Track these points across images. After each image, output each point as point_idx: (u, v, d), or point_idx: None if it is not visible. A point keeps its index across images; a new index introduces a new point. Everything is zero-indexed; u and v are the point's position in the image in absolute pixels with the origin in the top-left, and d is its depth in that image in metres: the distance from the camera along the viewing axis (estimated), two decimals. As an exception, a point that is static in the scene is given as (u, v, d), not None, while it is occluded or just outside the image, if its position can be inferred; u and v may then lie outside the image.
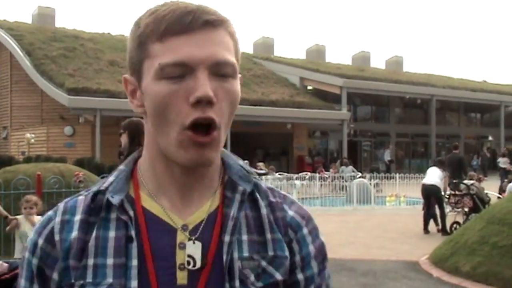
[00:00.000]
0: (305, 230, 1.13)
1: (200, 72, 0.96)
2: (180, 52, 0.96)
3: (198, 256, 1.02)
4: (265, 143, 32.75)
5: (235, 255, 1.03)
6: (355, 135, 36.87)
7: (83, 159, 18.24)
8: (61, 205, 1.08)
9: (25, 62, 25.80)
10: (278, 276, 1.06)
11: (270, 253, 1.06)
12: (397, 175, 20.97)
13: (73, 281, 1.00)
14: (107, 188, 1.05)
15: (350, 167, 24.16)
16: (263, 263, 1.05)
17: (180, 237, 1.03)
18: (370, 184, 19.19)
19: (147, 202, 1.06)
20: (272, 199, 1.14)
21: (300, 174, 23.29)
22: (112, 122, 25.35)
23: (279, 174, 22.86)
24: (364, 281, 8.13)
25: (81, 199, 1.07)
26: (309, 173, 23.29)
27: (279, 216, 1.11)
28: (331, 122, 31.88)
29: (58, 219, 1.05)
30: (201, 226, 1.04)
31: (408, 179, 20.60)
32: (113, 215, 1.03)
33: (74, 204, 1.06)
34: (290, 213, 1.13)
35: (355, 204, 18.03)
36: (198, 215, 1.06)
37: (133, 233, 1.01)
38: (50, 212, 1.08)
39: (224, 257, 1.02)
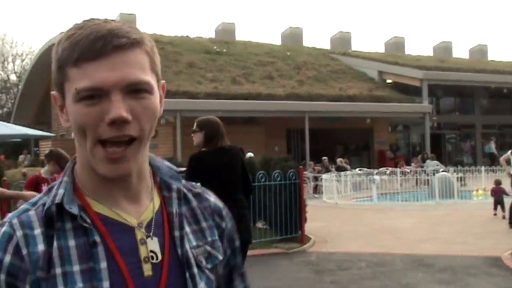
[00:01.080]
0: (224, 212, 1.30)
1: (114, 95, 1.03)
2: (94, 77, 1.03)
3: (158, 250, 1.12)
4: (345, 139, 32.42)
5: (187, 246, 1.16)
6: (439, 128, 35.91)
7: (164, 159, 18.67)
8: (14, 221, 1.08)
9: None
10: (220, 257, 1.23)
11: (209, 238, 1.22)
12: (483, 168, 20.26)
13: None
14: (62, 201, 1.08)
15: (435, 161, 23.57)
16: (208, 248, 1.20)
17: (139, 234, 1.12)
18: (454, 177, 18.63)
19: (97, 207, 1.12)
20: (195, 190, 1.28)
21: (380, 169, 22.93)
22: (192, 123, 25.81)
23: (359, 170, 22.58)
24: (442, 277, 7.91)
25: (33, 214, 1.09)
26: (389, 168, 22.87)
27: (206, 205, 1.26)
28: (412, 116, 31.19)
29: (19, 233, 1.06)
30: (152, 224, 1.14)
31: (494, 172, 19.88)
32: (69, 225, 1.08)
33: (29, 219, 1.08)
34: (212, 200, 1.29)
35: (438, 199, 17.55)
36: (147, 214, 1.15)
37: (97, 238, 1.07)
38: (5, 228, 1.07)
39: (179, 250, 1.14)
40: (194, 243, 1.18)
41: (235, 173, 5.23)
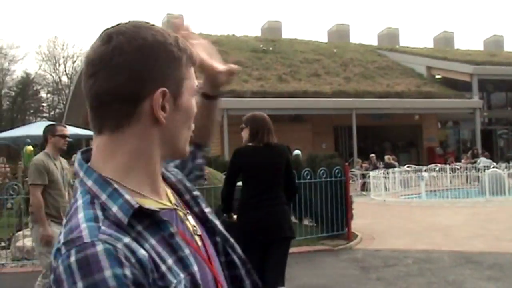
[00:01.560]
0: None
1: None
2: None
3: (195, 223, 1.26)
4: (393, 136, 32.12)
5: (201, 204, 1.34)
6: (490, 124, 35.24)
7: (210, 158, 18.88)
8: (100, 237, 1.00)
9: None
10: (198, 192, 1.37)
11: (188, 184, 1.36)
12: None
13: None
14: (139, 205, 1.08)
15: (489, 160, 23.13)
16: (195, 193, 1.36)
17: (180, 213, 1.23)
18: (505, 174, 18.28)
19: (144, 203, 1.11)
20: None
21: (429, 166, 22.65)
22: (238, 121, 26.05)
23: (408, 167, 22.37)
24: (490, 274, 7.82)
25: (105, 228, 1.03)
26: (439, 165, 22.57)
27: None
28: (462, 111, 30.68)
29: (120, 244, 1.00)
30: (179, 203, 1.28)
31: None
32: (139, 227, 1.07)
33: (110, 232, 1.02)
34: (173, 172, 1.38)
35: (488, 196, 17.25)
36: (170, 196, 1.26)
37: (172, 229, 1.11)
38: (99, 247, 0.98)
39: (196, 209, 1.32)
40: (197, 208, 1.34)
41: (276, 171, 5.17)
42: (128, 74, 1.10)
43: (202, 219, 1.30)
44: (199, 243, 1.21)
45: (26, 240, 9.68)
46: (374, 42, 39.64)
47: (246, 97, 24.86)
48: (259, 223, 5.00)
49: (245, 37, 34.64)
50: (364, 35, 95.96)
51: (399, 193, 19.92)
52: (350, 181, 12.34)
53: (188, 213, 1.25)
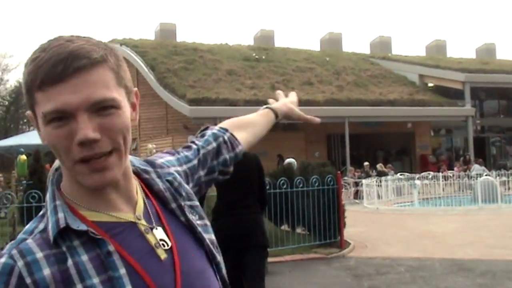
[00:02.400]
0: (162, 160, 1.39)
1: (80, 116, 1.06)
2: (58, 100, 1.05)
3: (165, 237, 1.19)
4: (386, 144, 32.20)
5: (187, 212, 1.28)
6: (482, 131, 35.38)
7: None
8: (11, 252, 1.06)
9: (150, 77, 27.13)
10: (196, 202, 1.34)
11: (183, 193, 1.31)
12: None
13: None
14: (67, 223, 1.09)
15: (483, 167, 23.25)
16: (188, 203, 1.31)
17: (142, 226, 1.17)
18: (497, 181, 18.34)
19: (93, 217, 1.14)
20: (152, 162, 1.37)
21: (422, 173, 22.71)
22: (232, 130, 26.07)
23: (400, 175, 22.41)
24: (482, 281, 7.83)
25: (31, 242, 1.08)
26: (431, 173, 22.63)
27: (160, 169, 1.35)
28: (454, 119, 30.81)
29: (21, 263, 1.04)
30: (150, 213, 1.22)
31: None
32: (77, 242, 1.08)
33: (27, 247, 1.07)
34: (156, 162, 1.37)
35: (480, 203, 17.29)
36: (139, 205, 1.21)
37: (110, 247, 1.09)
38: (3, 260, 1.05)
39: (182, 218, 1.26)
40: (174, 205, 1.29)
41: (249, 180, 5.25)
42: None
43: (189, 229, 1.25)
44: (163, 256, 1.15)
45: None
46: (367, 51, 39.78)
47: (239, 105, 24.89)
48: (229, 230, 5.05)
49: (238, 46, 34.70)
50: (356, 43, 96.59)
51: (392, 201, 19.95)
52: (343, 189, 12.37)
53: (153, 227, 1.18)
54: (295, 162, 17.03)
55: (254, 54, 32.28)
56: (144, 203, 1.22)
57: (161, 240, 1.17)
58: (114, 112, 1.10)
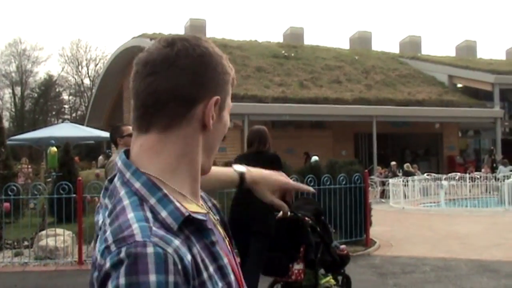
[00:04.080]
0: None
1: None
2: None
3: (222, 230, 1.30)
4: (414, 144, 32.08)
5: (221, 212, 1.37)
6: (511, 133, 35.00)
7: (229, 163, 19.01)
8: (152, 239, 1.01)
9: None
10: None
11: (209, 203, 1.35)
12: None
13: None
14: (189, 213, 1.10)
15: (509, 167, 23.04)
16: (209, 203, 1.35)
17: (213, 217, 1.28)
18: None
19: (189, 207, 1.14)
20: None
21: (449, 174, 22.60)
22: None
23: (427, 175, 22.32)
24: (507, 283, 7.87)
25: (156, 229, 1.04)
26: (458, 174, 22.51)
27: None
28: (483, 121, 30.55)
29: (170, 249, 1.01)
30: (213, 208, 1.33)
31: None
32: (187, 231, 1.09)
33: (162, 233, 1.03)
34: None
35: (507, 206, 17.19)
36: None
37: (214, 237, 1.14)
38: (155, 248, 1.00)
39: (218, 215, 1.33)
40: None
41: None
42: (191, 77, 1.15)
43: (224, 224, 1.32)
44: (229, 247, 1.25)
45: (49, 239, 9.90)
46: (396, 50, 39.58)
47: (267, 102, 25.00)
48: (234, 215, 5.90)
49: (267, 43, 34.78)
50: (386, 42, 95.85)
51: (418, 201, 19.91)
52: (370, 188, 12.41)
53: (218, 219, 1.28)
54: (317, 160, 17.10)
55: (283, 51, 32.32)
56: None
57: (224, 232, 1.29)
58: None
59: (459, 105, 29.22)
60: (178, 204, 1.09)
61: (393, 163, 24.66)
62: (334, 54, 34.36)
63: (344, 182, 10.78)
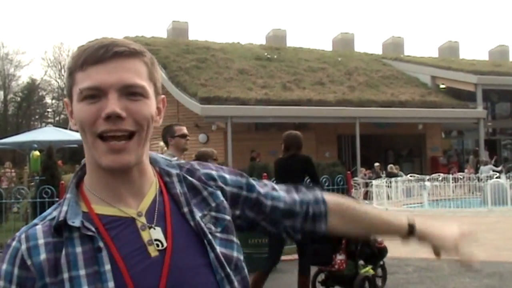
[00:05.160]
0: (215, 174, 1.42)
1: (111, 94, 1.20)
2: (94, 78, 1.20)
3: (162, 237, 1.25)
4: (397, 145, 32.18)
5: (197, 217, 1.30)
6: (494, 134, 35.24)
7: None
8: (21, 235, 1.23)
9: (161, 75, 27.22)
10: (227, 217, 1.35)
11: (213, 204, 1.35)
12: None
13: None
14: (65, 217, 1.22)
15: (489, 166, 23.16)
16: (213, 213, 1.33)
17: (139, 222, 1.26)
18: (507, 184, 18.30)
19: (101, 209, 1.26)
20: (186, 167, 1.41)
21: (432, 175, 22.69)
22: (242, 129, 26.11)
23: (410, 176, 22.41)
24: (489, 282, 7.89)
25: (39, 228, 1.24)
26: (441, 174, 22.61)
27: (198, 176, 1.39)
28: (466, 121, 30.71)
29: (23, 246, 1.21)
30: (155, 212, 1.28)
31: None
32: (76, 234, 1.21)
33: (34, 232, 1.23)
34: (201, 170, 1.41)
35: (490, 206, 17.29)
36: (145, 203, 1.29)
37: (101, 243, 1.20)
38: (14, 243, 1.23)
39: (192, 222, 1.29)
40: (200, 214, 1.31)
41: (293, 175, 6.54)
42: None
43: (198, 233, 1.28)
44: (153, 254, 1.22)
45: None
46: (379, 51, 39.71)
47: (250, 104, 24.98)
48: None
49: (250, 45, 34.75)
50: (368, 44, 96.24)
51: (401, 202, 19.97)
52: (353, 190, 12.41)
53: (151, 226, 1.25)
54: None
55: (266, 54, 32.32)
56: (154, 201, 1.30)
57: (156, 240, 1.24)
58: (141, 100, 1.24)
59: (442, 106, 29.36)
60: (64, 209, 1.24)
61: (376, 164, 24.74)
62: (317, 55, 34.41)
63: (326, 184, 10.76)
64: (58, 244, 1.20)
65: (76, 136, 25.27)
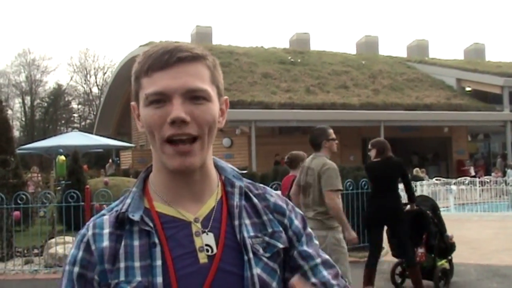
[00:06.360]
0: (286, 209, 1.42)
1: (175, 99, 1.25)
2: (159, 84, 1.26)
3: (213, 243, 1.29)
4: (422, 148, 31.88)
5: (245, 234, 1.32)
6: (521, 137, 34.79)
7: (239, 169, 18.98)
8: (90, 224, 1.33)
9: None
10: (280, 245, 1.35)
11: (269, 229, 1.36)
12: None
13: (109, 281, 1.25)
14: (127, 210, 1.31)
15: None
16: (266, 238, 1.34)
17: (194, 227, 1.31)
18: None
19: (162, 208, 1.33)
20: (255, 191, 1.43)
21: (458, 179, 22.47)
22: (266, 133, 26.11)
23: (436, 180, 22.22)
24: (516, 288, 7.81)
25: (106, 218, 1.33)
26: (468, 178, 22.38)
27: (266, 204, 1.40)
28: (492, 124, 30.35)
29: (90, 232, 1.30)
30: (211, 219, 1.32)
31: None
32: (136, 228, 1.29)
33: (101, 221, 1.32)
34: (272, 200, 1.42)
35: (518, 210, 17.09)
36: (204, 210, 1.34)
37: (156, 239, 1.27)
38: (83, 230, 1.33)
39: (238, 236, 1.31)
40: (252, 234, 1.32)
41: (387, 178, 7.27)
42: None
43: (239, 248, 1.30)
44: (203, 260, 1.27)
45: (58, 247, 9.92)
46: (403, 54, 39.50)
47: (274, 108, 24.97)
48: (370, 214, 7.52)
49: (274, 49, 34.76)
50: (393, 46, 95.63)
51: (427, 206, 19.76)
52: (378, 193, 12.32)
53: (205, 231, 1.29)
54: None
55: (289, 57, 32.29)
56: (213, 208, 1.34)
57: (206, 245, 1.29)
58: (204, 103, 1.28)
59: (468, 109, 29.08)
60: (128, 202, 1.32)
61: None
62: (341, 59, 34.30)
63: (351, 188, 10.73)
64: (119, 236, 1.28)
65: (102, 140, 25.57)
